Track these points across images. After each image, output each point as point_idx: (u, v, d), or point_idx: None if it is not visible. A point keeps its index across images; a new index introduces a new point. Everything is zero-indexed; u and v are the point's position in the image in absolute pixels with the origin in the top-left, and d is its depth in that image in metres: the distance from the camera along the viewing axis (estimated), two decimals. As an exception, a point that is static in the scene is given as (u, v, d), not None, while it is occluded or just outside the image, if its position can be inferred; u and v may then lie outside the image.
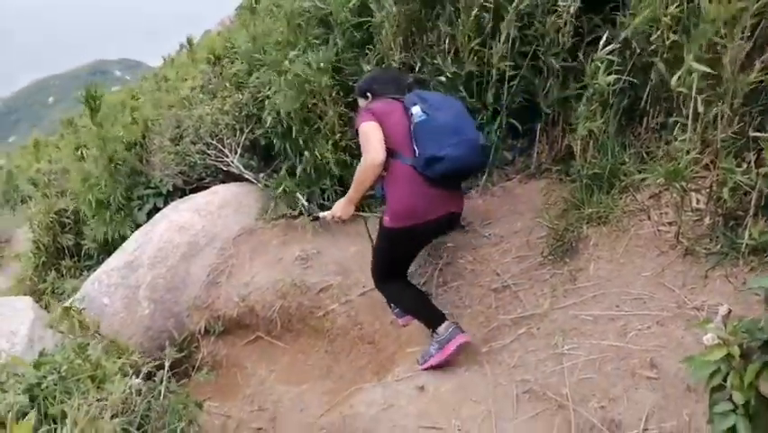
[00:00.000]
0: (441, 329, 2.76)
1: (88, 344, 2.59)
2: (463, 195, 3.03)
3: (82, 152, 6.43)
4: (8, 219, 11.55)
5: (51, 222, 5.81)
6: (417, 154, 2.68)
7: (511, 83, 3.56)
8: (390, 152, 2.75)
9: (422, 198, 2.73)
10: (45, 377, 2.15)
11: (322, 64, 3.78)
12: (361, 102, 3.13)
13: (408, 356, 3.08)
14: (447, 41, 3.59)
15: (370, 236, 3.30)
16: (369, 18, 3.87)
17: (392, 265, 3.01)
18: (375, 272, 3.07)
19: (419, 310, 2.94)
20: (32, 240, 6.19)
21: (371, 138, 2.72)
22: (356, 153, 4.04)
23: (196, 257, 4.30)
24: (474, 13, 3.25)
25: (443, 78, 3.65)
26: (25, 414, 2.03)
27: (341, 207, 3.07)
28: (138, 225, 5.23)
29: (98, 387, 2.37)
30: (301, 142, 3.97)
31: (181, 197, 5.10)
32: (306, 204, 4.05)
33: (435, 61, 3.68)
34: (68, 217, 6.05)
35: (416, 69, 3.76)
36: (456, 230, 3.42)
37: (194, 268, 4.28)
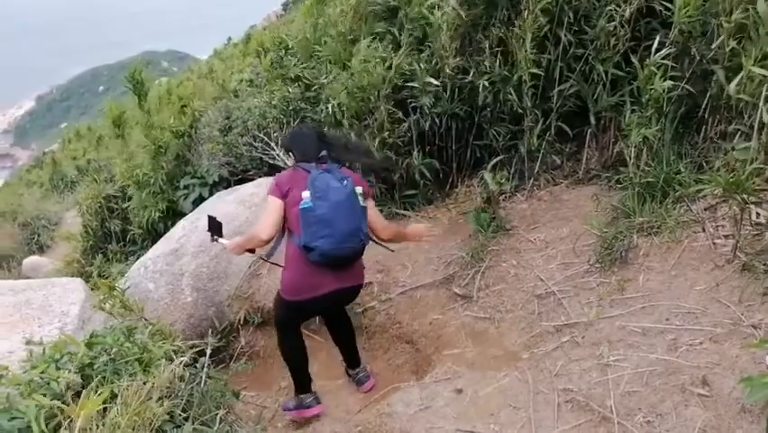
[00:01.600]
0: (304, 396, 3.22)
1: (135, 327, 2.65)
2: (362, 268, 3.10)
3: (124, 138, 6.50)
4: (58, 203, 11.97)
5: (100, 207, 5.99)
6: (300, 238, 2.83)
7: (562, 86, 3.51)
8: (288, 230, 2.95)
9: (307, 277, 2.88)
10: (97, 357, 2.20)
11: (379, 59, 3.78)
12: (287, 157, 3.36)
13: (446, 358, 3.06)
14: (499, 44, 3.56)
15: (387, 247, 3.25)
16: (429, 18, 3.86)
17: (288, 321, 3.20)
18: (276, 319, 3.27)
19: (296, 369, 3.27)
20: (82, 224, 6.39)
21: (266, 215, 2.90)
22: (402, 152, 4.05)
23: (239, 248, 4.36)
24: (531, 16, 3.20)
25: (487, 83, 3.63)
26: (78, 393, 2.09)
27: (234, 246, 3.06)
28: (183, 214, 5.35)
29: (145, 370, 2.41)
30: (351, 136, 3.98)
31: (226, 187, 5.19)
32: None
33: (486, 64, 3.66)
34: (115, 203, 6.23)
35: (470, 74, 3.74)
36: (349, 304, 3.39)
37: (236, 259, 4.34)
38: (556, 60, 3.50)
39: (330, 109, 4.14)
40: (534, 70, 3.33)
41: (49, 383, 2.03)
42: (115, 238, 6.22)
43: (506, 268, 3.28)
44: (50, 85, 77.78)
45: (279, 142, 3.58)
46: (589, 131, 3.53)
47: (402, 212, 4.16)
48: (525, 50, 3.27)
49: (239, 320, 4.24)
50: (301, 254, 2.85)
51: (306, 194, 2.81)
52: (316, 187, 2.82)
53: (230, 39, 28.98)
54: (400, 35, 4.07)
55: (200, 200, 5.18)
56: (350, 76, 3.97)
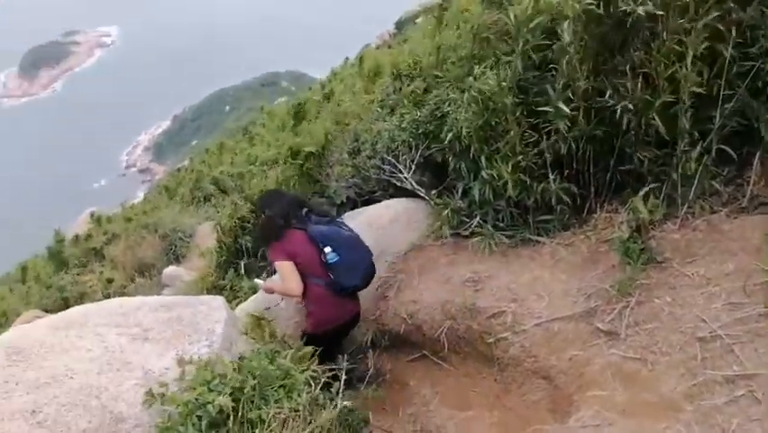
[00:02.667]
0: None
1: (278, 352, 2.71)
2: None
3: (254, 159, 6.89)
4: (192, 216, 12.88)
5: (234, 225, 6.31)
6: (334, 281, 3.53)
7: (725, 105, 3.19)
8: (304, 275, 3.53)
9: (336, 307, 3.66)
10: (246, 381, 2.26)
11: (505, 82, 3.66)
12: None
13: (591, 400, 2.84)
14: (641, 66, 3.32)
15: None
16: (552, 40, 3.70)
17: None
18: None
19: None
20: (216, 239, 6.79)
21: (290, 277, 3.51)
22: (536, 175, 3.87)
23: (366, 269, 4.39)
24: (694, 33, 2.94)
25: (630, 106, 3.38)
26: (228, 416, 2.15)
27: (268, 289, 3.86)
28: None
29: (288, 395, 2.45)
30: (482, 161, 3.88)
31: (352, 208, 5.27)
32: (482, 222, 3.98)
33: (627, 86, 3.42)
34: (248, 221, 6.53)
35: (606, 96, 3.51)
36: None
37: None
38: (715, 78, 3.19)
39: (455, 134, 4.08)
40: (696, 89, 3.05)
41: (204, 405, 2.11)
42: (247, 254, 6.51)
43: (659, 305, 3.01)
44: (183, 106, 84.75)
45: (256, 203, 4.35)
46: (758, 153, 3.16)
47: (536, 238, 3.98)
48: (686, 68, 3.00)
49: (366, 342, 4.26)
50: (327, 291, 3.55)
51: (327, 249, 3.48)
52: (334, 240, 3.53)
53: (347, 59, 29.93)
54: (518, 61, 3.90)
55: (328, 221, 5.29)
56: (472, 100, 3.87)
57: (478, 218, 4.08)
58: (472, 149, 4.00)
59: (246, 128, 22.51)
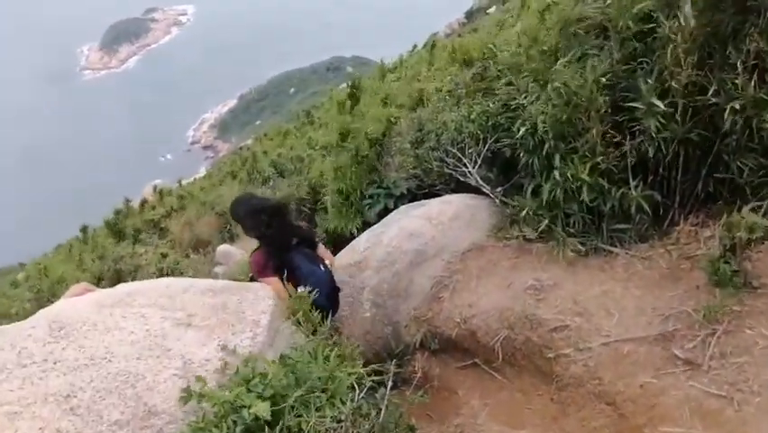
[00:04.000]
0: None
1: (323, 350, 2.53)
2: None
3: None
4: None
5: (291, 209, 6.23)
6: None
7: None
8: None
9: None
10: (288, 385, 2.09)
11: (594, 77, 3.33)
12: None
13: (665, 437, 2.54)
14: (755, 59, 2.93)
15: None
16: (653, 28, 3.34)
17: None
18: None
19: None
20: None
21: (285, 294, 3.22)
22: (615, 179, 3.54)
23: (421, 266, 4.17)
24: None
25: (738, 106, 3.00)
26: (267, 422, 1.98)
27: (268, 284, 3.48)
28: (366, 223, 5.33)
29: (330, 401, 2.27)
30: (556, 159, 3.57)
31: (411, 200, 5.05)
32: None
33: (735, 82, 3.03)
34: (304, 205, 6.44)
35: (709, 93, 3.14)
36: None
37: (418, 278, 4.15)
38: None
39: (529, 129, 3.78)
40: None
41: (241, 409, 1.95)
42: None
43: (752, 336, 2.65)
44: (250, 86, 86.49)
45: (230, 210, 4.18)
46: None
47: (608, 247, 3.64)
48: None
49: (415, 343, 4.05)
50: None
51: (300, 288, 3.25)
52: (311, 282, 3.37)
53: (415, 46, 29.59)
54: (615, 51, 3.56)
55: (384, 211, 5.10)
56: (554, 94, 3.57)
57: (546, 221, 3.77)
58: (547, 146, 3.70)
59: (308, 111, 22.59)
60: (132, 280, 7.92)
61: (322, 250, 4.07)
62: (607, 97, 3.42)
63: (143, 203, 16.01)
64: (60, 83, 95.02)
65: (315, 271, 3.68)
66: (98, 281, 8.15)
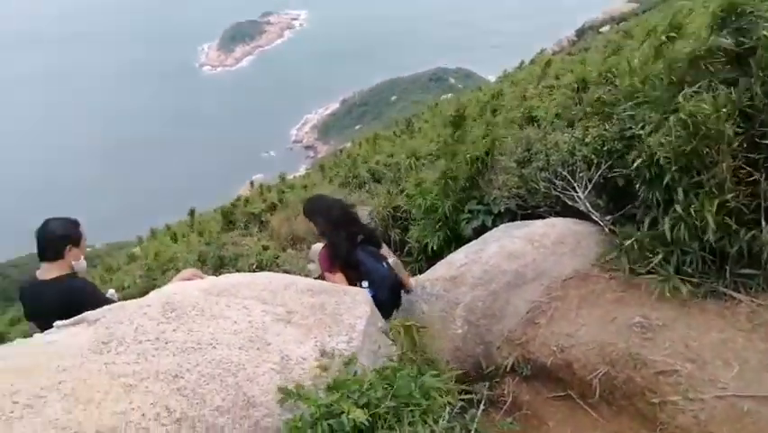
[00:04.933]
0: None
1: (420, 369, 2.50)
2: None
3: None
4: (346, 199, 13.22)
5: (387, 215, 6.28)
6: None
7: None
8: None
9: None
10: (383, 398, 2.08)
11: (728, 109, 3.09)
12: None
13: None
14: None
15: None
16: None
17: None
18: None
19: None
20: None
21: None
22: (745, 219, 3.26)
23: (519, 289, 4.05)
24: None
25: None
26: (361, 430, 1.98)
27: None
28: (462, 237, 5.26)
29: (423, 418, 2.23)
30: (678, 193, 3.34)
31: (510, 219, 4.93)
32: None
33: None
34: (400, 213, 6.46)
35: None
36: None
37: (514, 300, 4.03)
38: None
39: (645, 161, 3.57)
40: None
41: (339, 415, 1.96)
42: (393, 246, 6.45)
43: None
44: (353, 90, 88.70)
45: (303, 209, 4.23)
46: None
47: (730, 292, 3.36)
48: None
49: (506, 367, 3.93)
50: None
51: (365, 284, 3.63)
52: (374, 278, 3.72)
53: (522, 62, 29.10)
54: (756, 84, 3.28)
55: (482, 228, 5.01)
56: (679, 125, 3.34)
57: (660, 256, 3.54)
58: (668, 177, 3.47)
59: (409, 120, 22.76)
60: (232, 268, 8.31)
61: (385, 250, 4.23)
62: (741, 131, 3.16)
63: (246, 196, 16.76)
64: (181, 78, 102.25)
65: (379, 268, 3.87)
66: (202, 264, 8.61)
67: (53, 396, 1.95)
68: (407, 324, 2.81)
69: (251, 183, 20.36)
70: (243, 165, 67.85)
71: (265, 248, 8.72)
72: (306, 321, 2.91)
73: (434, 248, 5.21)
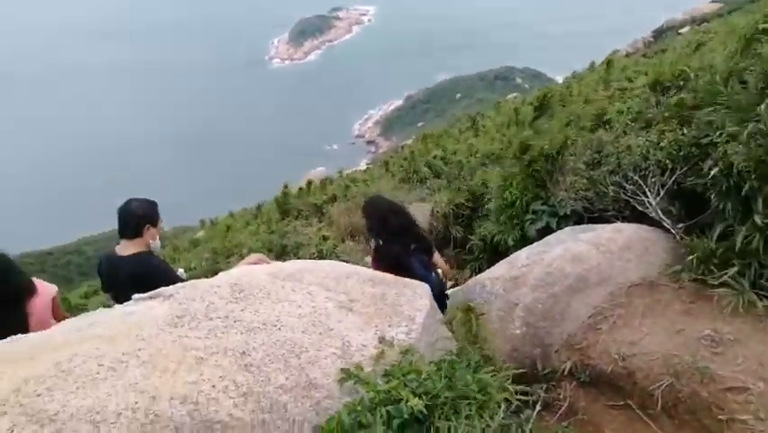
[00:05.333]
0: None
1: (477, 363, 2.51)
2: None
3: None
4: (406, 194, 13.26)
5: (449, 212, 6.27)
6: None
7: None
8: None
9: None
10: (441, 390, 2.11)
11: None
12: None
13: None
14: None
15: None
16: None
17: None
18: None
19: None
20: (429, 222, 6.83)
21: None
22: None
23: (581, 293, 3.97)
24: None
25: None
26: (417, 419, 2.01)
27: None
28: (525, 237, 5.20)
29: (479, 413, 2.24)
30: (757, 203, 3.19)
31: (576, 222, 4.84)
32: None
33: None
34: (462, 210, 6.44)
35: None
36: None
37: (576, 303, 3.96)
38: None
39: (723, 169, 3.42)
40: None
41: (398, 402, 2.00)
42: (454, 243, 6.45)
43: None
44: (418, 87, 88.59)
45: (362, 208, 4.37)
46: None
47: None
48: None
49: (563, 370, 3.87)
50: None
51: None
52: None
53: (593, 63, 28.26)
54: None
55: (546, 230, 4.94)
56: (760, 133, 3.18)
57: (735, 269, 3.39)
58: (746, 186, 3.32)
59: (474, 118, 22.56)
60: (294, 256, 8.52)
61: (437, 258, 4.38)
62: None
63: (308, 185, 17.07)
64: (252, 69, 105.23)
65: (428, 276, 3.98)
66: (267, 252, 8.87)
67: (133, 362, 2.09)
68: (468, 307, 2.82)
69: (309, 182, 20.77)
70: (307, 156, 69.16)
71: (325, 238, 8.88)
72: (366, 310, 2.96)
73: (509, 245, 5.15)
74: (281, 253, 8.60)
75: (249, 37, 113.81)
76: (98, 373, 1.97)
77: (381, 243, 4.13)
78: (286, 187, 14.11)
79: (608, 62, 19.87)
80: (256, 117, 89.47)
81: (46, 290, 3.70)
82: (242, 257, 9.83)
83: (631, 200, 4.18)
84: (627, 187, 4.15)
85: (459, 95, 79.64)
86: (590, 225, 4.47)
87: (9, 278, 3.43)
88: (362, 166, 39.01)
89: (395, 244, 4.05)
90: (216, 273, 3.28)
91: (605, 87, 13.07)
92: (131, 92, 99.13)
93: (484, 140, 14.25)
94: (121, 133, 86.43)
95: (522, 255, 4.42)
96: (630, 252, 4.02)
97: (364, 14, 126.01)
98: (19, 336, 2.40)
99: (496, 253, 5.76)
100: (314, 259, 7.98)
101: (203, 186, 70.43)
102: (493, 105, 22.90)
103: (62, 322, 2.81)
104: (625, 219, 4.50)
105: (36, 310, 3.53)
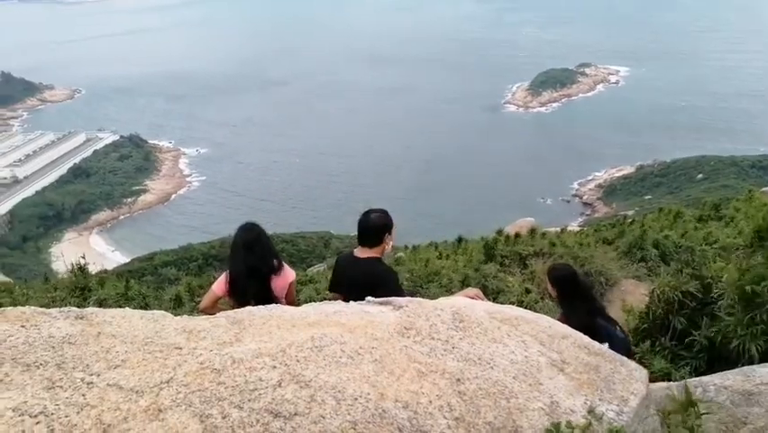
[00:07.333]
0: None
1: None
2: None
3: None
4: (622, 267, 12.43)
5: (673, 299, 5.74)
6: None
7: None
8: None
9: None
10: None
11: None
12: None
13: None
14: None
15: None
16: None
17: None
18: None
19: None
20: (646, 303, 6.35)
21: None
22: None
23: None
24: None
25: None
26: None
27: None
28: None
29: None
30: None
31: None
32: None
33: None
34: (690, 300, 5.86)
35: None
36: None
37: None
38: None
39: None
40: None
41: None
42: (672, 333, 5.89)
43: None
44: (654, 158, 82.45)
45: (546, 272, 4.99)
46: None
47: None
48: None
49: None
50: None
51: (605, 345, 3.53)
52: (614, 342, 4.05)
53: None
54: None
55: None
56: None
57: None
58: None
59: (717, 204, 20.26)
60: (492, 300, 8.56)
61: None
62: None
63: (516, 235, 16.91)
64: (487, 111, 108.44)
65: (616, 333, 4.50)
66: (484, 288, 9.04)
67: (367, 357, 2.34)
68: (691, 402, 2.60)
69: (517, 225, 20.54)
70: (516, 204, 68.44)
71: (528, 291, 8.73)
72: (578, 376, 2.90)
73: (750, 353, 4.57)
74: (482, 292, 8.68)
75: (492, 80, 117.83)
76: (341, 358, 2.24)
77: (564, 307, 4.72)
78: (500, 231, 14.19)
79: None
80: (481, 155, 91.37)
81: (288, 273, 4.30)
82: (440, 285, 10.15)
83: None
84: None
85: (701, 175, 72.10)
86: None
87: (266, 258, 4.10)
88: (573, 227, 37.44)
89: (578, 307, 4.57)
90: (414, 295, 3.51)
91: None
92: (384, 114, 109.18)
93: (727, 231, 12.73)
94: (371, 155, 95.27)
95: (764, 371, 3.88)
96: None
97: (613, 74, 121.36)
98: (277, 305, 2.84)
99: (720, 357, 5.14)
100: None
101: (414, 210, 73.83)
102: (744, 194, 20.29)
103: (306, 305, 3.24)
104: None
105: (276, 289, 4.13)
